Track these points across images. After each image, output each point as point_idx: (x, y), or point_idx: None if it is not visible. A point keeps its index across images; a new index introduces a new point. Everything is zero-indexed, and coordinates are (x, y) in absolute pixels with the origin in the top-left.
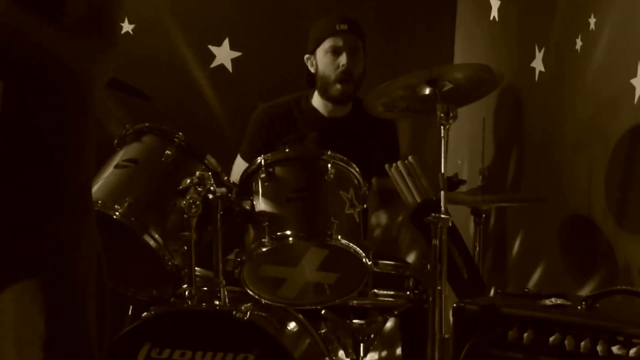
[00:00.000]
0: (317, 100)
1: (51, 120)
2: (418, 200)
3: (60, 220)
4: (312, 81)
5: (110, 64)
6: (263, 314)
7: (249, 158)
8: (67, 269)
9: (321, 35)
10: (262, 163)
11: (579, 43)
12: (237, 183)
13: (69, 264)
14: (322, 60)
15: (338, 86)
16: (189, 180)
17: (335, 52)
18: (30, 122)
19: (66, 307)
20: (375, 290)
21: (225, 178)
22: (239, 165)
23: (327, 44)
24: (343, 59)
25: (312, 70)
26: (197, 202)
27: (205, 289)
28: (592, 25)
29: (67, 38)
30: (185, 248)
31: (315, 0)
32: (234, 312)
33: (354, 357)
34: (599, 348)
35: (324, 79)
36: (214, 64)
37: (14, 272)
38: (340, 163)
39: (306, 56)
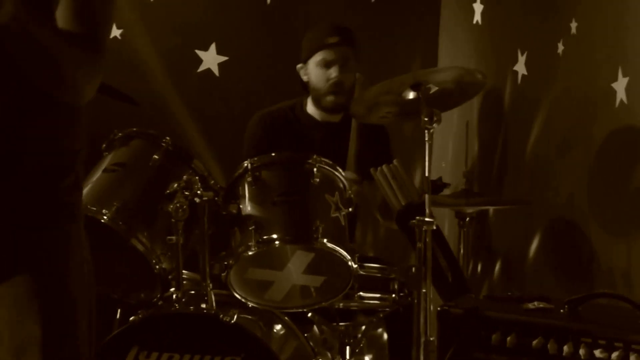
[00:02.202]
0: (311, 108)
1: (39, 124)
2: (403, 203)
3: (53, 224)
4: (306, 87)
5: (99, 78)
6: (250, 317)
7: None
8: (61, 273)
9: (312, 47)
10: (249, 167)
11: (560, 47)
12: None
13: (63, 267)
14: (313, 71)
15: (330, 97)
16: (176, 185)
17: (326, 65)
18: (18, 126)
19: (60, 312)
20: (361, 293)
21: (212, 182)
22: None
23: (318, 57)
24: (334, 72)
25: (305, 79)
26: (184, 206)
27: (193, 292)
28: (574, 30)
29: (68, 46)
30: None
31: (302, 4)
32: (221, 316)
33: (340, 359)
34: (581, 352)
35: (316, 90)
36: (200, 69)
37: (8, 276)
38: (326, 167)
39: (298, 65)
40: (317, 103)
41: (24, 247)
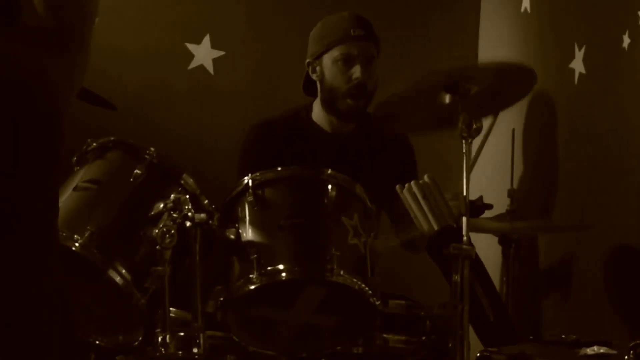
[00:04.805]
0: (318, 115)
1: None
2: (435, 227)
3: (16, 257)
4: (310, 89)
5: (77, 81)
6: None
7: None
8: (27, 316)
9: (331, 40)
10: (250, 184)
11: (626, 40)
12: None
13: (29, 308)
14: (330, 69)
15: (348, 101)
16: (162, 205)
17: (348, 61)
18: None
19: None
20: (385, 336)
21: (206, 202)
22: None
23: (337, 52)
24: (357, 71)
25: (315, 77)
26: (172, 231)
27: (182, 334)
28: None
29: (33, 47)
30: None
31: None
32: None
33: None
34: None
35: (331, 91)
36: (192, 65)
37: None
38: (343, 184)
39: (308, 60)
40: (330, 106)
41: None
